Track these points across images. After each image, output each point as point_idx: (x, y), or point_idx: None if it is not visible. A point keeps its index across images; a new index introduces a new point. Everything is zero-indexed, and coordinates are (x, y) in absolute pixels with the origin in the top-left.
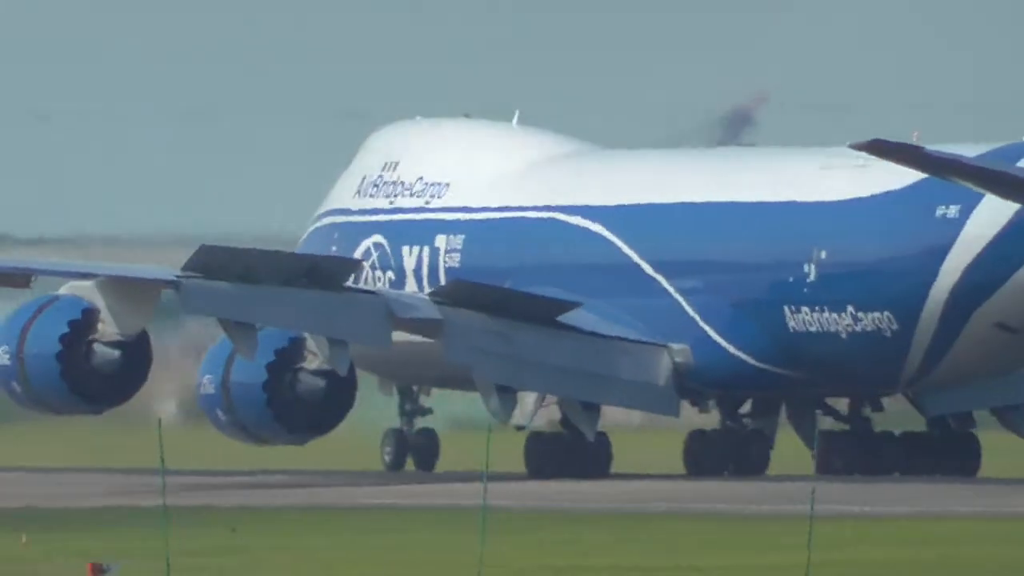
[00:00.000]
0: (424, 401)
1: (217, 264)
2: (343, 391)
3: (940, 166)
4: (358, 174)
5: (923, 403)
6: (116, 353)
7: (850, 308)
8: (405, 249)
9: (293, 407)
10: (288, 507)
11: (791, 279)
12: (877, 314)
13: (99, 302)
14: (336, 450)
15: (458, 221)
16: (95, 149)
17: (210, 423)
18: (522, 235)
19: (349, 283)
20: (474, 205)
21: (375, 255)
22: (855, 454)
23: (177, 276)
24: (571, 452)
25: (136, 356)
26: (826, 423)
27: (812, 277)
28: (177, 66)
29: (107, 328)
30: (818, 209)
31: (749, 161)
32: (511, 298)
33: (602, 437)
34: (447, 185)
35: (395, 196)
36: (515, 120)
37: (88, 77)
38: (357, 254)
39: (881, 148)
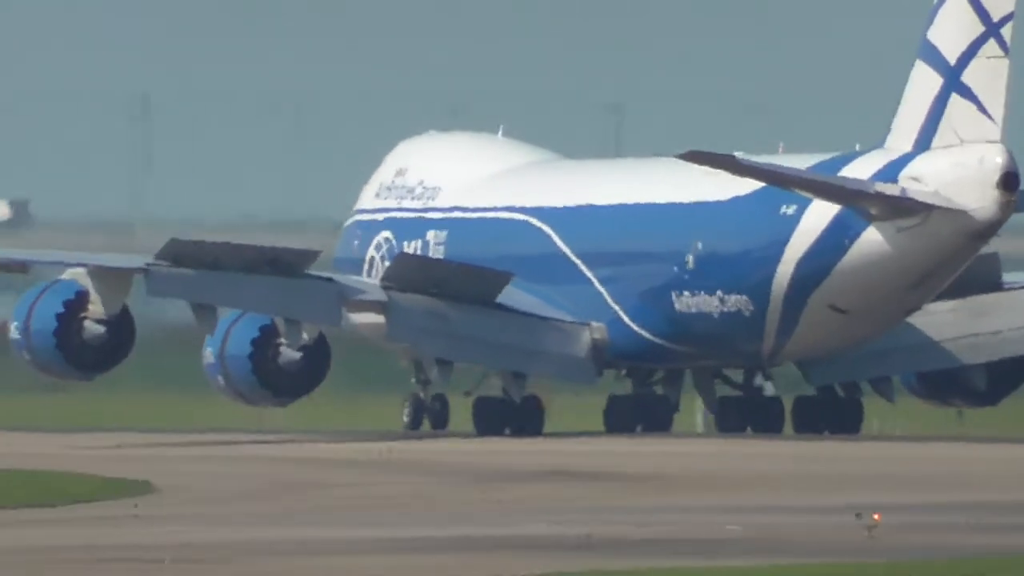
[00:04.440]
0: None
1: (185, 255)
2: (318, 361)
3: (754, 174)
4: (377, 179)
5: (807, 374)
6: (102, 329)
7: (719, 292)
8: (405, 243)
9: (275, 375)
10: None
11: (676, 268)
12: (737, 297)
13: (89, 286)
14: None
15: (444, 219)
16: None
17: None
18: (488, 231)
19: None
20: (456, 205)
21: (384, 248)
22: (747, 415)
23: (147, 264)
24: (512, 413)
25: (119, 332)
26: (724, 390)
27: (691, 265)
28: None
29: (95, 307)
30: (697, 208)
31: (651, 169)
32: (450, 269)
33: (533, 400)
34: (439, 188)
35: (402, 198)
36: (500, 132)
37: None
38: (372, 247)
39: (699, 157)
